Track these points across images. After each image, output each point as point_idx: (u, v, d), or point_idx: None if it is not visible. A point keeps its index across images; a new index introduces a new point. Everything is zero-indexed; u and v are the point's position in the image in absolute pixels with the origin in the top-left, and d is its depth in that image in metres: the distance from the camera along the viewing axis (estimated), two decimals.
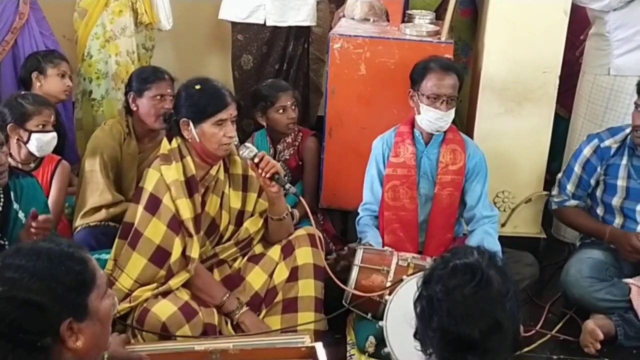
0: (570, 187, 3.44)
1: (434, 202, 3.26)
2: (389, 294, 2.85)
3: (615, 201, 3.32)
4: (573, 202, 3.46)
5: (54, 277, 1.55)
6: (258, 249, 3.03)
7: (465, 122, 4.07)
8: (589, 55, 3.80)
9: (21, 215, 2.75)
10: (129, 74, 3.69)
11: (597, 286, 3.19)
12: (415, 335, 1.75)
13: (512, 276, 1.74)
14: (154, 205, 2.82)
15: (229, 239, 3.01)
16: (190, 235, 2.83)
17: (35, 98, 3.37)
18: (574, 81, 3.90)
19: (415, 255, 3.10)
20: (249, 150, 2.89)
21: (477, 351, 1.64)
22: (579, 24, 3.94)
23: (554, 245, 3.88)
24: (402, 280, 2.86)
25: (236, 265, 3.01)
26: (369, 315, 2.95)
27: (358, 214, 3.37)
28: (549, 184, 3.71)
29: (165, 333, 2.71)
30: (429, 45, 3.55)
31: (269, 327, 2.89)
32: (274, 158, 3.69)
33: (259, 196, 3.01)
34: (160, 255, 2.81)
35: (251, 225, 3.01)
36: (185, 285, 2.86)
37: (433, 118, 3.16)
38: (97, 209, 3.30)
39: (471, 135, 3.59)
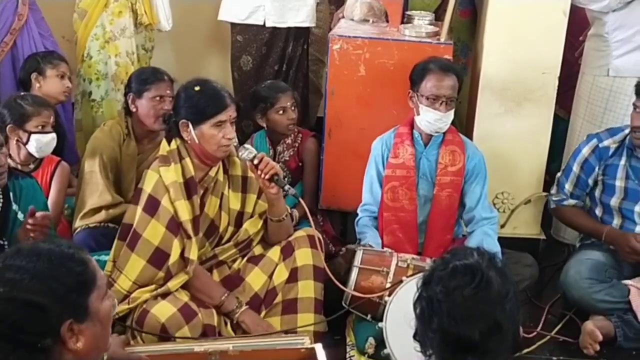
0: (568, 187, 3.45)
1: (433, 203, 3.26)
2: (389, 295, 2.85)
3: (614, 202, 3.32)
4: (571, 202, 3.46)
5: (55, 278, 1.56)
6: (257, 250, 3.03)
7: (464, 123, 4.07)
8: (588, 56, 3.81)
9: (20, 216, 2.75)
10: (129, 75, 3.68)
11: (596, 287, 3.19)
12: (415, 337, 1.74)
13: (512, 277, 1.74)
14: (152, 206, 2.81)
15: (228, 240, 3.01)
16: (189, 237, 2.83)
17: (34, 99, 3.37)
18: (573, 82, 3.90)
19: (415, 256, 3.10)
20: (248, 151, 2.89)
21: (477, 352, 1.64)
22: (578, 25, 3.94)
23: (554, 247, 3.88)
24: (401, 281, 2.86)
25: (235, 266, 3.01)
26: (369, 316, 2.95)
27: (357, 215, 3.37)
28: (548, 185, 3.71)
29: (164, 334, 2.71)
30: (428, 46, 3.55)
31: (270, 325, 2.89)
32: (274, 159, 3.70)
33: (258, 197, 3.01)
34: (159, 257, 2.80)
35: (251, 227, 3.01)
36: (184, 286, 2.86)
37: (432, 119, 3.16)
38: (96, 210, 3.30)
39: (470, 136, 3.59)
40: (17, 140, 3.26)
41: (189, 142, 2.87)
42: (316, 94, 4.72)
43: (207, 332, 2.78)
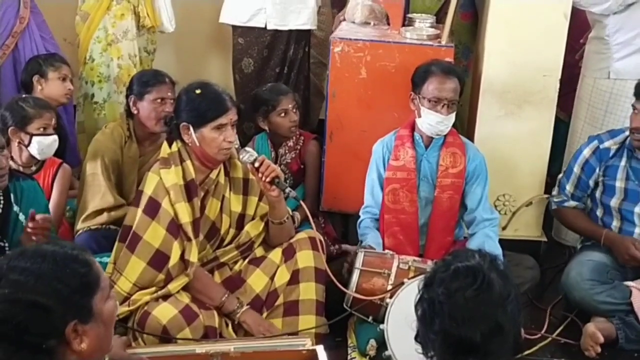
0: (569, 188, 3.45)
1: (434, 205, 3.26)
2: (390, 297, 2.85)
3: (614, 202, 3.33)
4: (572, 203, 3.47)
5: (60, 280, 1.56)
6: (259, 252, 3.03)
7: (465, 125, 4.07)
8: (588, 58, 3.81)
9: (22, 217, 2.75)
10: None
11: (598, 289, 3.19)
12: (416, 338, 1.75)
13: (513, 279, 1.75)
14: (153, 209, 2.82)
15: (229, 243, 3.01)
16: (189, 239, 2.83)
17: (36, 101, 3.38)
18: (574, 84, 3.91)
19: (416, 258, 3.10)
20: (249, 154, 2.89)
21: (478, 354, 1.65)
22: (579, 28, 3.94)
23: (555, 249, 3.88)
24: (403, 283, 2.87)
25: (237, 268, 3.01)
26: (370, 318, 2.95)
27: (359, 216, 3.38)
28: (549, 187, 3.71)
29: (166, 336, 2.71)
30: (430, 49, 3.55)
31: (271, 324, 2.89)
32: (276, 162, 3.71)
33: (259, 200, 3.01)
34: (159, 259, 2.80)
35: (252, 229, 3.01)
36: (185, 288, 2.86)
37: (434, 121, 3.16)
38: (98, 212, 3.30)
39: (472, 139, 3.59)
40: (19, 143, 3.27)
41: (189, 144, 2.87)
42: (318, 96, 4.72)
43: (209, 334, 2.78)
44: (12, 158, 3.22)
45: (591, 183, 3.39)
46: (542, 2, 3.48)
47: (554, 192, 3.54)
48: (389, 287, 2.93)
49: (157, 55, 4.49)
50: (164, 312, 2.74)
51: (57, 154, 3.41)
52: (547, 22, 3.50)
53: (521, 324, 1.74)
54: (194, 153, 2.88)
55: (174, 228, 2.81)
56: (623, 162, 3.30)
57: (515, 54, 3.54)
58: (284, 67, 4.35)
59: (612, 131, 3.40)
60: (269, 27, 4.25)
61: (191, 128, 2.83)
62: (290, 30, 4.29)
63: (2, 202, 2.71)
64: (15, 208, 2.75)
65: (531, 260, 3.47)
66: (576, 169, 3.41)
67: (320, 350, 2.46)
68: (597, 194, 3.39)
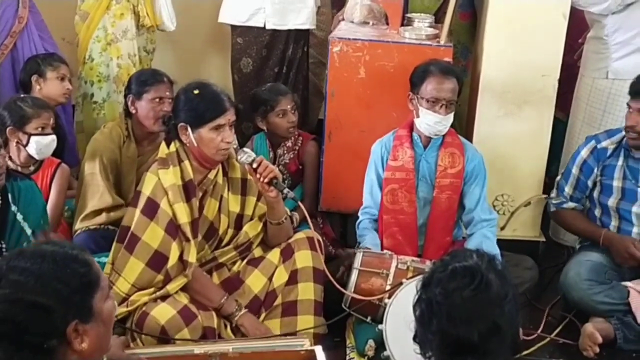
0: (568, 189, 3.46)
1: (432, 205, 3.26)
2: (389, 298, 2.85)
3: (611, 202, 3.33)
4: (571, 205, 3.47)
5: (60, 279, 1.56)
6: (257, 252, 3.03)
7: (464, 125, 4.07)
8: (587, 58, 3.81)
9: (19, 217, 2.75)
10: None
11: (596, 289, 3.19)
12: (414, 339, 1.75)
13: (511, 279, 1.75)
14: (151, 209, 2.81)
15: (228, 243, 3.01)
16: (188, 240, 2.82)
17: (34, 101, 3.38)
18: (572, 84, 3.91)
19: (415, 258, 3.10)
20: (247, 155, 2.88)
21: (476, 354, 1.65)
22: (578, 28, 3.94)
23: (553, 249, 3.88)
24: (401, 283, 2.86)
25: (235, 268, 3.01)
26: (369, 318, 2.95)
27: (357, 217, 3.38)
28: (547, 187, 3.71)
29: (164, 336, 2.71)
30: (428, 49, 3.55)
31: (268, 329, 2.89)
32: (274, 162, 3.71)
33: (258, 200, 3.01)
34: (157, 260, 2.80)
35: (250, 230, 3.01)
36: (184, 289, 2.86)
37: (432, 121, 3.16)
38: (97, 212, 3.30)
39: (470, 138, 3.59)
40: (17, 142, 3.27)
41: (188, 145, 2.86)
42: (318, 96, 4.72)
43: (207, 335, 2.78)
44: (10, 158, 3.23)
45: (590, 183, 3.39)
46: (541, 2, 3.49)
47: (552, 195, 3.54)
48: (388, 287, 2.92)
49: (156, 54, 4.49)
50: (163, 313, 2.74)
51: (56, 153, 3.41)
52: (546, 22, 3.50)
53: (519, 324, 1.73)
54: (192, 153, 2.87)
55: (173, 228, 2.81)
56: (620, 162, 3.31)
57: (514, 53, 3.54)
58: (282, 66, 4.35)
59: (610, 131, 3.41)
60: (267, 27, 4.25)
61: (189, 128, 2.83)
62: (289, 30, 4.29)
63: None
64: (13, 208, 2.75)
65: (529, 260, 3.47)
66: (574, 170, 3.41)
67: (319, 350, 2.47)
68: (595, 194, 3.39)
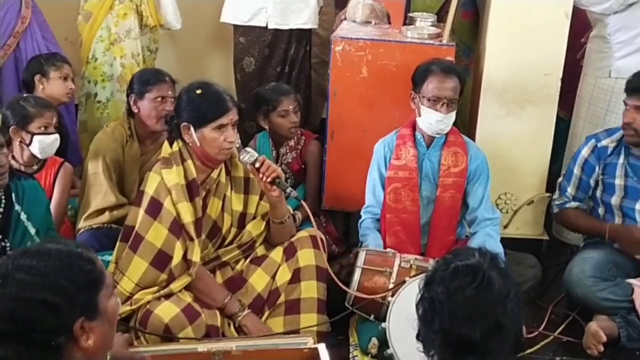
0: (570, 190, 3.46)
1: (436, 204, 3.26)
2: (392, 296, 2.86)
3: (614, 200, 3.33)
4: (573, 204, 3.47)
5: (66, 277, 1.57)
6: (260, 250, 3.03)
7: (467, 124, 4.07)
8: (589, 57, 3.81)
9: (23, 217, 2.76)
10: None
11: (600, 285, 3.19)
12: (417, 337, 1.75)
13: (514, 277, 1.75)
14: (155, 209, 2.82)
15: (231, 242, 3.01)
16: (191, 239, 2.83)
17: (37, 100, 3.38)
18: (574, 83, 3.91)
19: (418, 256, 3.10)
20: (250, 154, 2.88)
21: (478, 353, 1.65)
22: (580, 26, 3.94)
23: (557, 247, 3.88)
24: (404, 281, 2.87)
25: (238, 267, 3.01)
26: (372, 316, 2.95)
27: (360, 216, 3.38)
28: (550, 185, 3.71)
29: (168, 335, 2.71)
30: (431, 48, 3.55)
31: (271, 330, 2.89)
32: (277, 161, 3.71)
33: (260, 199, 3.01)
34: (161, 259, 2.80)
35: (253, 229, 3.01)
36: (187, 287, 2.86)
37: (433, 120, 3.16)
38: (100, 211, 3.31)
39: (473, 137, 3.59)
40: (20, 142, 3.27)
41: (190, 144, 2.87)
42: (322, 96, 4.72)
43: (211, 333, 2.79)
44: (13, 157, 3.24)
45: (592, 183, 3.40)
46: (544, 1, 3.48)
47: (555, 196, 3.54)
48: (391, 286, 2.93)
49: (158, 54, 4.50)
50: (166, 311, 2.74)
51: (59, 153, 3.42)
52: (548, 21, 3.50)
53: (522, 322, 1.74)
54: (194, 153, 2.88)
55: (176, 228, 2.81)
56: (621, 160, 3.31)
57: (516, 52, 3.54)
58: (285, 66, 4.36)
59: (609, 129, 3.42)
60: (270, 27, 4.25)
61: (192, 128, 2.83)
62: (291, 30, 4.29)
63: (3, 201, 2.72)
64: (17, 207, 2.75)
65: (533, 258, 3.47)
66: (576, 170, 3.41)
67: (322, 348, 2.46)
68: (598, 193, 3.40)
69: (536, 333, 3.16)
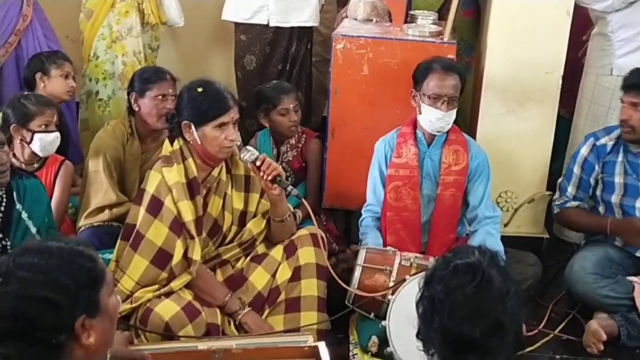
0: (571, 190, 3.46)
1: (436, 202, 3.26)
2: (392, 294, 2.86)
3: (615, 198, 3.33)
4: (574, 203, 3.47)
5: (68, 275, 1.57)
6: (261, 249, 3.03)
7: (468, 123, 4.07)
8: (591, 55, 3.81)
9: (24, 216, 2.76)
10: None
11: (601, 282, 3.19)
12: (417, 336, 1.75)
13: (514, 275, 1.74)
14: (155, 207, 2.82)
15: (231, 240, 3.01)
16: (192, 238, 2.83)
17: (37, 98, 3.39)
18: (575, 81, 3.90)
19: (418, 255, 3.10)
20: (250, 153, 2.88)
21: (478, 351, 1.64)
22: (581, 24, 3.94)
23: (557, 245, 3.87)
24: (404, 280, 2.87)
25: (239, 265, 3.01)
26: (372, 315, 2.95)
27: (361, 214, 3.38)
28: (551, 184, 3.71)
29: (168, 333, 2.71)
30: (432, 46, 3.55)
31: (272, 327, 2.89)
32: (277, 159, 3.71)
33: (261, 197, 3.01)
34: (162, 258, 2.80)
35: (254, 227, 3.01)
36: (188, 286, 2.86)
37: (434, 118, 3.16)
38: (100, 209, 3.31)
39: (474, 135, 3.59)
40: (21, 140, 3.28)
41: (191, 142, 2.87)
42: (323, 94, 4.72)
43: (211, 331, 2.79)
44: (14, 155, 3.24)
45: (592, 181, 3.40)
46: None
47: (556, 197, 3.54)
48: (391, 284, 2.93)
49: (159, 52, 4.50)
50: (167, 309, 2.74)
51: (59, 151, 3.42)
52: (550, 19, 3.50)
53: (522, 320, 1.73)
54: (195, 151, 2.87)
55: (177, 226, 2.81)
56: (620, 158, 3.32)
57: (518, 51, 3.54)
58: (286, 64, 4.36)
59: (608, 128, 3.43)
60: (271, 24, 4.25)
61: (193, 126, 2.83)
62: (292, 28, 4.29)
63: (4, 200, 2.72)
64: (18, 206, 2.75)
65: (533, 257, 3.47)
66: (576, 170, 3.42)
67: (322, 346, 2.46)
68: (598, 191, 3.40)
69: (536, 331, 3.17)
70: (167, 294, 2.81)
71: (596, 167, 3.36)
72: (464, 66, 4.14)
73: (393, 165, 3.26)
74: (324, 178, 3.77)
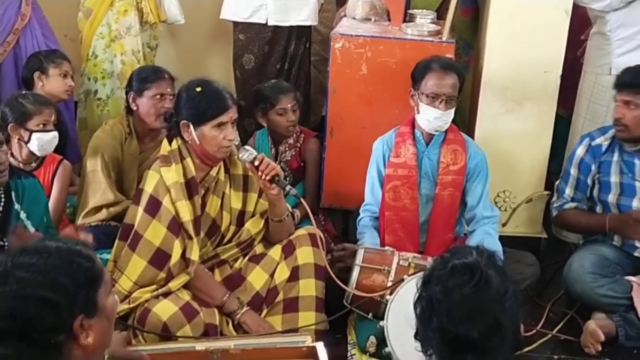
0: (568, 191, 3.46)
1: (435, 202, 3.25)
2: (390, 294, 2.85)
3: (611, 198, 3.33)
4: (572, 204, 3.46)
5: (66, 275, 1.57)
6: (259, 248, 3.03)
7: (466, 122, 4.07)
8: (590, 54, 3.81)
9: (22, 215, 2.75)
10: None
11: (599, 282, 3.19)
12: (416, 336, 1.74)
13: (512, 275, 1.74)
14: (153, 207, 2.81)
15: (230, 240, 3.01)
16: (190, 238, 2.83)
17: (35, 98, 3.38)
18: (574, 81, 3.90)
19: (416, 255, 3.10)
20: (249, 153, 2.88)
21: (476, 351, 1.64)
22: (580, 24, 3.94)
23: (555, 245, 3.87)
24: (403, 280, 2.87)
25: (237, 265, 3.01)
26: (370, 315, 2.95)
27: (359, 213, 3.37)
28: (549, 183, 3.71)
29: (166, 333, 2.71)
30: (430, 45, 3.55)
31: (271, 326, 2.89)
32: (276, 159, 3.70)
33: (259, 196, 3.00)
34: (160, 258, 2.80)
35: (252, 227, 3.01)
36: (186, 286, 2.86)
37: (432, 117, 3.16)
38: (98, 209, 3.31)
39: (472, 135, 3.59)
40: (19, 139, 3.27)
41: (190, 142, 2.86)
42: (322, 93, 4.71)
43: (209, 331, 2.78)
44: (12, 155, 3.23)
45: (589, 182, 3.40)
46: None
47: (554, 199, 3.54)
48: (389, 284, 2.93)
49: (158, 51, 4.49)
50: (165, 309, 2.74)
51: (58, 150, 3.41)
52: (548, 19, 3.50)
53: (520, 320, 1.73)
54: (194, 151, 2.87)
55: (175, 226, 2.81)
56: (615, 157, 3.32)
57: (516, 50, 3.54)
58: (284, 63, 4.35)
59: (603, 128, 3.43)
60: (269, 24, 4.25)
61: (191, 126, 2.82)
62: (291, 27, 4.29)
63: (2, 200, 2.71)
64: (17, 206, 2.75)
65: (531, 257, 3.47)
66: (573, 171, 3.42)
67: (320, 347, 2.46)
68: (595, 192, 3.40)
69: (534, 331, 3.16)
70: (165, 294, 2.81)
71: (592, 167, 3.36)
72: (463, 65, 4.14)
73: (391, 165, 3.26)
74: (323, 178, 3.77)
